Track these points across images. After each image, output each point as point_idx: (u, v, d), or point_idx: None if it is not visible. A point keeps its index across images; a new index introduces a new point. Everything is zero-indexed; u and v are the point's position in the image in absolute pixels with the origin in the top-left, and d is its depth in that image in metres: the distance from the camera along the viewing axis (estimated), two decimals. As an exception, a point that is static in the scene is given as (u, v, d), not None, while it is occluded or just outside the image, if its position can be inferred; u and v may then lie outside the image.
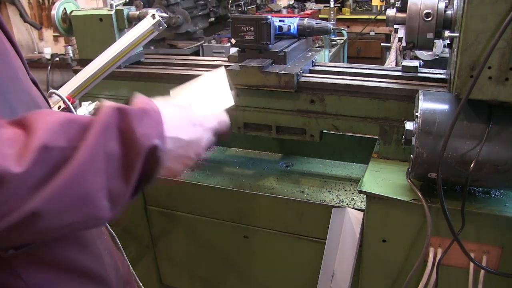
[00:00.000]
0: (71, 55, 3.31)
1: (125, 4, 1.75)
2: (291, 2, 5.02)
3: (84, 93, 1.47)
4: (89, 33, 1.76)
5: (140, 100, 0.70)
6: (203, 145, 0.78)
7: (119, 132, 0.63)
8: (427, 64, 1.79)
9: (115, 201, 0.64)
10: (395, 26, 1.35)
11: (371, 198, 1.30)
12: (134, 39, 1.46)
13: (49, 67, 3.33)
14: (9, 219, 0.55)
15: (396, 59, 2.40)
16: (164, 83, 1.68)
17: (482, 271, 1.21)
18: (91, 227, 0.76)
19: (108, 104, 0.65)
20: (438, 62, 1.94)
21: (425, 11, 1.23)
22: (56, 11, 1.75)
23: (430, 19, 1.23)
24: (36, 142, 0.57)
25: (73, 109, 1.20)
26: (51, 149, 0.57)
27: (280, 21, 1.64)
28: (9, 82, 0.70)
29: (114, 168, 0.62)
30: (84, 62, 1.62)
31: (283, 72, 1.47)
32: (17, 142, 0.57)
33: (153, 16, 1.42)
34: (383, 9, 5.32)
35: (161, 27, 1.44)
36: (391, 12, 1.33)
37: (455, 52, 1.13)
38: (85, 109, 1.28)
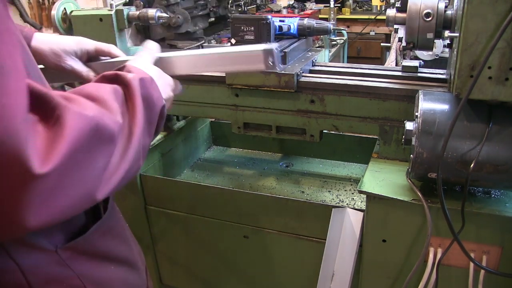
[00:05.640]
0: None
1: (125, 4, 1.75)
2: (291, 2, 5.02)
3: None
4: (89, 33, 1.75)
5: (137, 67, 0.83)
6: (171, 100, 0.98)
7: (143, 98, 0.76)
8: (427, 64, 1.79)
9: (145, 155, 0.77)
10: (395, 26, 1.35)
11: (371, 198, 1.30)
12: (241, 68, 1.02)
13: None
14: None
15: (396, 59, 2.40)
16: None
17: (482, 271, 1.21)
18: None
19: (127, 73, 0.78)
20: (438, 62, 1.94)
21: (425, 11, 1.23)
22: (56, 11, 1.74)
23: (430, 19, 1.23)
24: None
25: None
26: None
27: (280, 21, 1.64)
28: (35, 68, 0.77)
29: (145, 128, 0.75)
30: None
31: (283, 72, 1.47)
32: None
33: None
34: (383, 9, 5.31)
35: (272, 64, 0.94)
36: (391, 12, 1.33)
37: (455, 52, 1.13)
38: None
